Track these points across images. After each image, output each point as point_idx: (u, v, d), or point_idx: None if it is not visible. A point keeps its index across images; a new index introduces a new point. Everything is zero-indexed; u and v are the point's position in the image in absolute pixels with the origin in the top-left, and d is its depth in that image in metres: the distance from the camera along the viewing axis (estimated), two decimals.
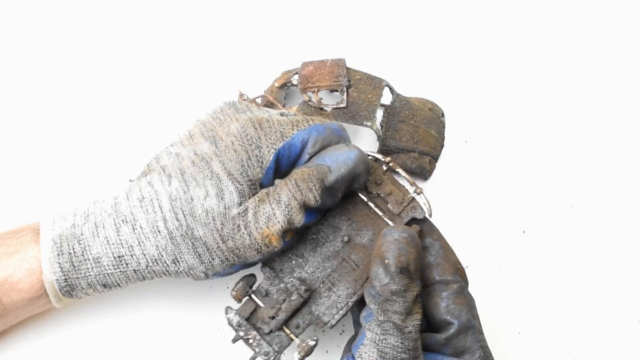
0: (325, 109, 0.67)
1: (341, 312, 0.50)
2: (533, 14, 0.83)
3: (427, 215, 0.50)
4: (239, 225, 0.49)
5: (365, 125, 0.67)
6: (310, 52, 0.75)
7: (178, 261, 0.49)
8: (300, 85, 0.68)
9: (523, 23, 0.82)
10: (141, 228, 0.49)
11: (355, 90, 0.68)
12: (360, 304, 0.50)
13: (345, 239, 0.51)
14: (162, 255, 0.49)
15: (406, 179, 0.50)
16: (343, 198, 0.52)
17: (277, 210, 0.49)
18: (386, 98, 0.71)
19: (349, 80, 0.69)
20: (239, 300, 0.51)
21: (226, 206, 0.49)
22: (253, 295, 0.51)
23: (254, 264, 0.51)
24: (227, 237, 0.49)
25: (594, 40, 0.81)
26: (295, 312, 0.50)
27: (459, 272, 0.50)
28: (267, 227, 0.49)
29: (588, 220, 0.68)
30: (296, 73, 0.70)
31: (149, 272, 0.50)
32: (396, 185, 0.51)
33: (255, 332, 0.50)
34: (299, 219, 0.49)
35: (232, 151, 0.49)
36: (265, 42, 0.78)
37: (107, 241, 0.49)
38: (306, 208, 0.50)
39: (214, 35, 0.79)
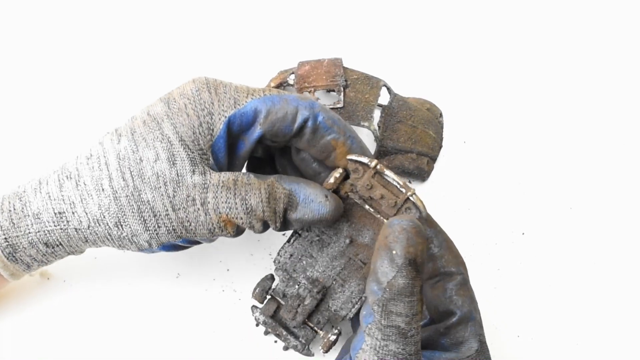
0: None
1: (357, 306, 0.52)
2: (532, 14, 0.83)
3: (422, 215, 0.50)
4: (193, 199, 0.47)
5: (363, 126, 0.67)
6: (306, 52, 0.75)
7: (121, 224, 0.48)
8: (297, 85, 0.68)
9: (522, 23, 0.82)
10: (85, 185, 0.47)
11: (353, 90, 0.68)
12: None
13: (347, 240, 0.51)
14: (104, 216, 0.47)
15: (396, 181, 0.49)
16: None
17: (240, 208, 0.48)
18: (384, 98, 0.72)
19: (346, 80, 0.69)
20: (261, 303, 0.54)
21: (178, 173, 0.47)
22: (273, 294, 0.54)
23: (197, 243, 0.51)
24: (178, 207, 0.47)
25: (594, 41, 0.81)
26: (313, 311, 0.53)
27: (461, 264, 0.50)
28: (226, 215, 0.48)
29: (588, 222, 0.68)
30: (292, 73, 0.70)
31: (91, 233, 0.48)
32: (388, 187, 0.50)
33: (282, 329, 0.53)
34: (257, 228, 0.49)
35: (184, 115, 0.48)
36: (261, 41, 0.79)
37: (49, 197, 0.48)
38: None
39: (210, 34, 0.79)
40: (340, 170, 0.50)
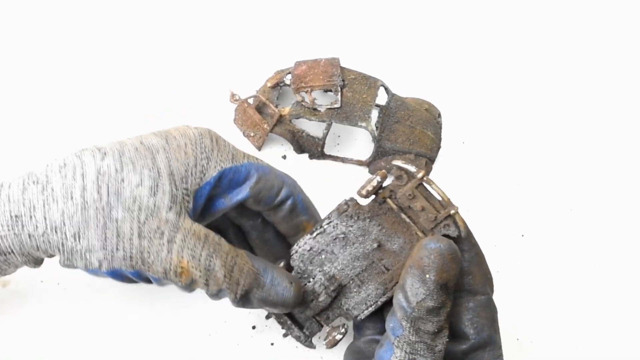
0: (318, 109, 0.67)
1: (370, 309, 0.51)
2: (531, 15, 0.83)
3: (461, 235, 0.49)
4: (162, 232, 0.47)
5: (360, 126, 0.67)
6: (303, 51, 0.75)
7: (79, 236, 0.46)
8: (293, 85, 0.68)
9: (521, 23, 0.83)
10: (52, 190, 0.46)
11: (350, 90, 0.68)
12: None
13: (375, 245, 0.51)
14: (64, 224, 0.46)
15: (441, 196, 0.49)
16: (374, 201, 0.51)
17: (202, 261, 0.48)
18: (381, 98, 0.72)
19: (343, 80, 0.69)
20: None
21: (156, 204, 0.47)
22: None
23: (145, 281, 0.50)
24: (145, 235, 0.47)
25: (593, 42, 0.82)
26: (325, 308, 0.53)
27: (489, 283, 0.49)
28: (187, 262, 0.47)
29: (588, 224, 0.68)
30: (289, 72, 0.70)
31: (44, 241, 0.46)
32: (430, 200, 0.49)
33: (286, 317, 0.53)
34: (211, 290, 0.49)
35: (182, 152, 0.48)
36: (257, 41, 0.79)
37: (8, 199, 0.46)
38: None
39: (206, 34, 0.79)
40: (378, 178, 0.50)
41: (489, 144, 0.73)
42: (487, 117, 0.75)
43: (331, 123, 0.68)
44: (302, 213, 0.54)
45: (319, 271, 0.52)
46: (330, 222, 0.51)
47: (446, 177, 0.70)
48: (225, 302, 0.61)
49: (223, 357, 0.59)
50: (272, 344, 0.59)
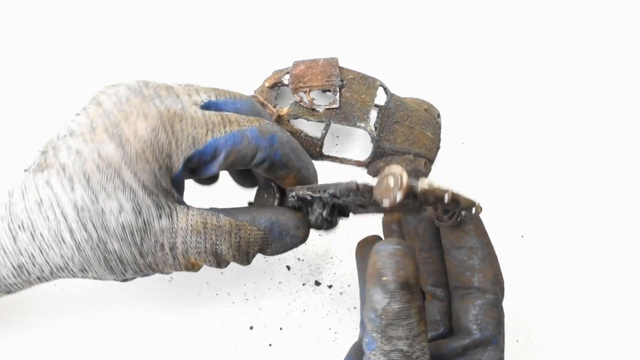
0: (317, 109, 0.68)
1: None
2: (531, 15, 0.83)
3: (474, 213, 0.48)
4: (162, 244, 0.47)
5: (359, 127, 0.67)
6: (301, 51, 0.76)
7: (86, 270, 0.47)
8: (292, 85, 0.68)
9: (521, 23, 0.83)
10: (42, 236, 0.45)
11: (349, 91, 0.69)
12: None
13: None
14: (67, 265, 0.46)
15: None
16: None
17: (209, 252, 0.48)
18: (380, 98, 0.72)
19: (341, 80, 0.69)
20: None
21: (145, 221, 0.46)
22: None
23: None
24: (146, 252, 0.47)
25: (593, 43, 0.82)
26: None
27: (499, 283, 0.48)
28: (195, 259, 0.48)
29: (589, 225, 0.68)
30: (287, 72, 0.71)
31: (54, 277, 0.48)
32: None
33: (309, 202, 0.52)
34: (222, 267, 0.50)
35: (143, 161, 0.45)
36: (255, 40, 0.79)
37: (4, 251, 0.46)
38: None
39: (204, 34, 0.79)
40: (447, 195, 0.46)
41: (488, 144, 0.73)
42: (486, 117, 0.75)
43: (330, 123, 0.68)
44: (280, 168, 0.51)
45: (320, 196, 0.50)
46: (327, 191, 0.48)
47: (445, 178, 0.71)
48: (223, 303, 0.62)
49: (221, 358, 0.59)
50: (270, 345, 0.59)
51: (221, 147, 0.47)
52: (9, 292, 0.49)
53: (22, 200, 0.46)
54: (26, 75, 0.76)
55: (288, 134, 0.51)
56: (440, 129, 0.73)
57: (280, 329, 0.60)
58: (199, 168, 0.49)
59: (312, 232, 0.65)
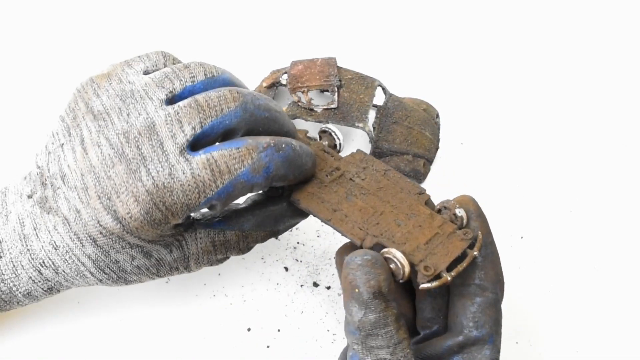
0: (315, 109, 0.68)
1: None
2: (531, 15, 0.83)
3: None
4: (177, 268, 0.51)
5: (357, 127, 0.67)
6: (299, 51, 0.76)
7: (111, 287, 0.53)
8: (290, 85, 0.68)
9: (520, 23, 0.83)
10: (64, 273, 0.49)
11: (347, 91, 0.69)
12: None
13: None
14: (93, 284, 0.51)
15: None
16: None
17: (219, 258, 0.53)
18: (379, 98, 0.72)
19: (340, 80, 0.69)
20: None
21: (158, 259, 0.50)
22: None
23: None
24: (163, 275, 0.51)
25: (592, 43, 0.82)
26: None
27: (500, 283, 0.49)
28: (206, 266, 0.53)
29: (589, 226, 0.68)
30: (285, 72, 0.71)
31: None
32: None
33: None
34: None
35: (144, 233, 0.47)
36: (253, 40, 0.79)
37: (33, 281, 0.49)
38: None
39: (201, 34, 0.79)
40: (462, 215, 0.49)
41: (488, 144, 0.73)
42: (486, 117, 0.75)
43: (328, 123, 0.68)
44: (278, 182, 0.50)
45: None
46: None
47: (444, 178, 0.71)
48: (220, 304, 0.62)
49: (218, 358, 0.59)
50: (267, 347, 0.59)
51: (215, 200, 0.47)
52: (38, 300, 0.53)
53: (37, 239, 0.48)
54: (25, 72, 0.76)
55: (286, 147, 0.48)
56: (439, 129, 0.73)
57: (278, 330, 0.60)
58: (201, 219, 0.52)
59: (311, 232, 0.66)
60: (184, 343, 0.60)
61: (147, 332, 0.60)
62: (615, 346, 0.62)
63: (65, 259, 0.48)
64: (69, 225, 0.46)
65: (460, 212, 0.48)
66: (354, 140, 0.73)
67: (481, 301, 0.47)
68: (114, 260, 0.48)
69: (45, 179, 0.48)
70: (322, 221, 0.49)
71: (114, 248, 0.47)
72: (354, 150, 0.54)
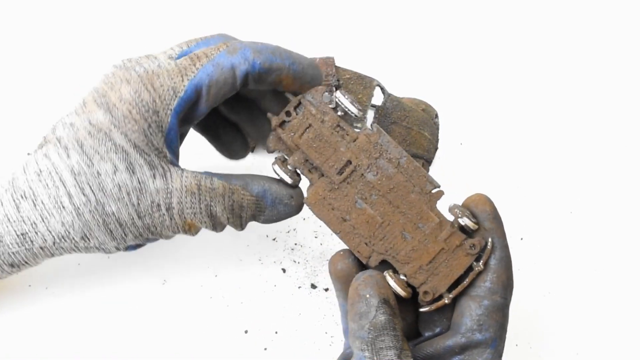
0: None
1: None
2: (530, 15, 0.84)
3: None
4: (158, 204, 0.49)
5: (355, 127, 0.67)
6: (296, 50, 0.76)
7: (87, 238, 0.50)
8: None
9: (520, 23, 0.83)
10: (42, 204, 0.48)
11: (345, 90, 0.69)
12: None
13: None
14: (69, 232, 0.49)
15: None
16: None
17: (204, 213, 0.50)
18: (377, 98, 0.72)
19: (338, 80, 0.69)
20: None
21: (140, 180, 0.49)
22: None
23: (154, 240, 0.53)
24: (144, 214, 0.49)
25: (592, 44, 0.82)
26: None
27: (509, 289, 0.48)
28: (191, 219, 0.50)
29: (589, 227, 0.69)
30: None
31: (57, 248, 0.50)
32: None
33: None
34: (219, 230, 0.52)
35: (132, 121, 0.49)
36: (248, 39, 0.79)
37: (8, 219, 0.49)
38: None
39: (196, 32, 0.79)
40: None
41: (487, 145, 0.73)
42: (485, 117, 0.75)
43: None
44: (267, 74, 0.51)
45: None
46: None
47: (444, 179, 0.70)
48: (217, 306, 0.62)
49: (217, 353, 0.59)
50: (265, 349, 0.59)
51: (200, 84, 0.50)
52: (12, 264, 0.51)
53: (23, 173, 0.49)
54: (27, 69, 0.76)
55: (264, 42, 0.52)
56: (438, 129, 0.73)
57: (276, 332, 0.61)
58: (190, 113, 0.51)
59: (308, 233, 0.66)
60: (181, 345, 0.60)
61: (143, 334, 0.60)
62: (615, 349, 0.62)
63: (47, 184, 0.48)
64: (60, 142, 0.49)
65: (464, 221, 0.48)
66: None
67: (489, 304, 0.47)
68: (95, 172, 0.48)
69: (48, 132, 0.51)
70: (332, 231, 0.50)
71: (98, 153, 0.48)
72: (369, 126, 0.52)
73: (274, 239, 0.65)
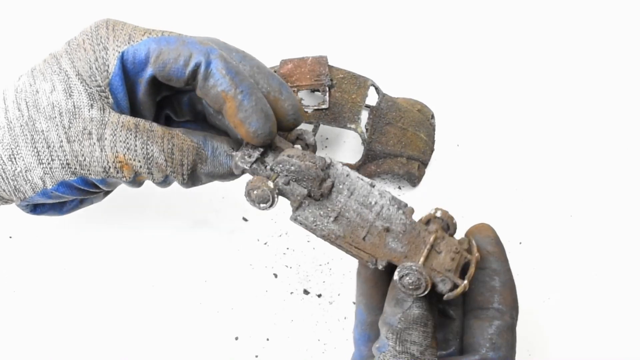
0: (305, 110, 0.68)
1: None
2: (528, 15, 0.84)
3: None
4: (90, 132, 0.49)
5: (349, 128, 0.67)
6: (289, 49, 0.76)
7: (15, 157, 0.50)
8: None
9: (517, 23, 0.83)
10: None
11: (338, 90, 0.69)
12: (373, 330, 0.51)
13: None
14: None
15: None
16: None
17: (139, 151, 0.50)
18: (371, 98, 0.72)
19: (331, 80, 0.69)
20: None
21: (75, 105, 0.49)
22: None
23: (94, 187, 0.52)
24: (73, 139, 0.49)
25: (590, 45, 0.83)
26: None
27: (515, 310, 0.50)
28: (124, 156, 0.49)
29: (589, 231, 0.69)
30: (274, 71, 0.71)
31: None
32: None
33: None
34: (156, 177, 0.51)
35: (82, 50, 0.50)
36: (241, 38, 0.79)
37: None
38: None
39: (190, 31, 0.79)
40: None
41: (484, 146, 0.74)
42: (482, 118, 0.76)
43: (319, 125, 0.68)
44: (217, 83, 0.49)
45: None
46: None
47: (440, 181, 0.71)
48: (207, 312, 0.62)
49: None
50: (256, 356, 0.60)
51: (154, 45, 0.50)
52: None
53: None
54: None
55: (252, 62, 0.52)
56: (434, 130, 0.73)
57: (267, 339, 0.61)
58: (135, 71, 0.51)
59: (301, 237, 0.66)
60: (170, 352, 0.60)
61: (132, 339, 0.60)
62: (615, 354, 0.62)
63: None
64: (19, 75, 0.51)
65: (439, 213, 0.49)
66: (346, 142, 0.73)
67: (499, 324, 0.48)
68: (34, 90, 0.50)
69: None
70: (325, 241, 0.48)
71: (43, 74, 0.50)
72: (343, 157, 0.50)
73: (265, 243, 0.65)
